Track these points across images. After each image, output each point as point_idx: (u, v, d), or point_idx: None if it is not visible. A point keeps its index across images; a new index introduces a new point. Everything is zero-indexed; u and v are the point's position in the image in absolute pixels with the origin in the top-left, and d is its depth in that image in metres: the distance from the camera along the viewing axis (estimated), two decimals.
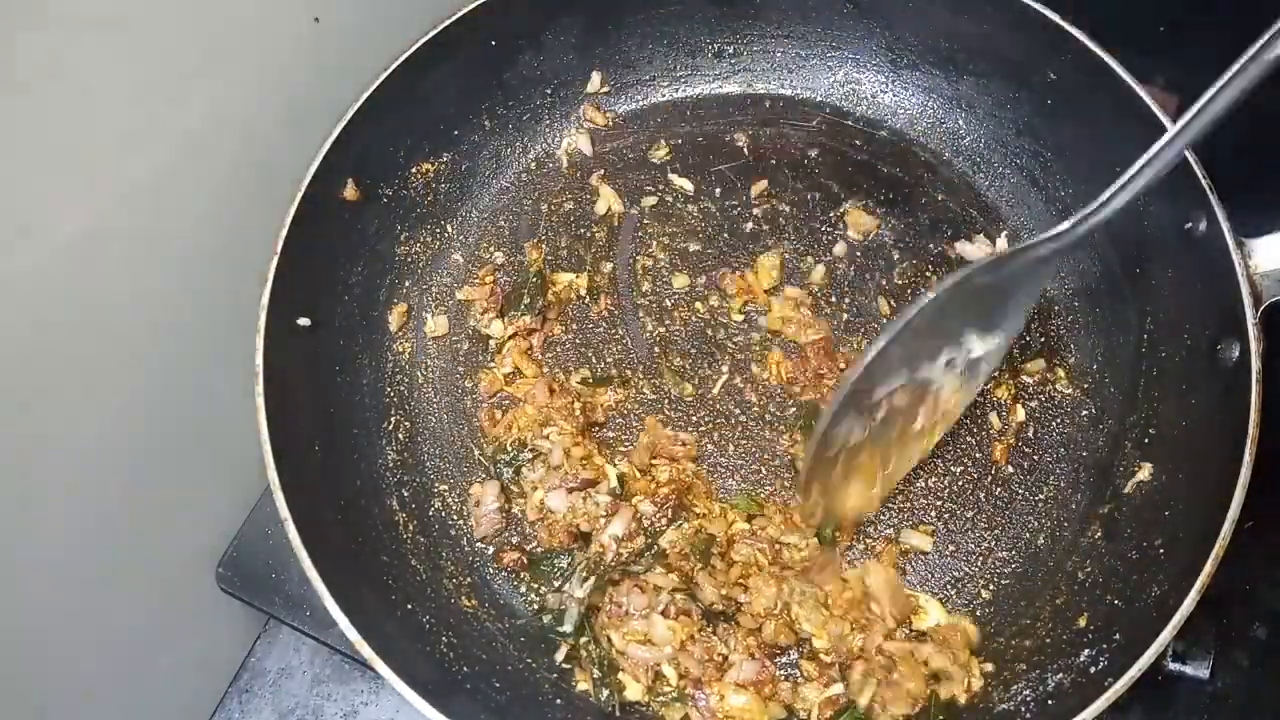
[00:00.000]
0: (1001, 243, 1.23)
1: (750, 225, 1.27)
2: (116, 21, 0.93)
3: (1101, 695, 0.83)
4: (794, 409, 1.15)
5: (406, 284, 1.23)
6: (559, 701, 0.99)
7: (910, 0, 1.24)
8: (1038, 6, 1.12)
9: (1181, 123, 0.83)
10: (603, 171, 1.32)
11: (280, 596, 1.16)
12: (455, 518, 1.12)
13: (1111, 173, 1.12)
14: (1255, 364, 0.91)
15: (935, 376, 0.99)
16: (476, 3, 1.17)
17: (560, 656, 1.02)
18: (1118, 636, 0.92)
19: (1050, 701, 0.92)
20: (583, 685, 1.01)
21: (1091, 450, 1.10)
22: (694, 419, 1.15)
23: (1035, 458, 1.11)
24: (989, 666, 0.99)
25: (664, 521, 1.03)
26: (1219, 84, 0.79)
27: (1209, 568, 0.84)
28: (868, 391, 0.93)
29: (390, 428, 1.15)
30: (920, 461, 1.09)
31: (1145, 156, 0.87)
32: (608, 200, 1.30)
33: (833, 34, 1.31)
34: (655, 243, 1.26)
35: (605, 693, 0.99)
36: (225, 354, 1.05)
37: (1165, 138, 0.85)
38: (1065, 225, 0.92)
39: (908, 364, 0.95)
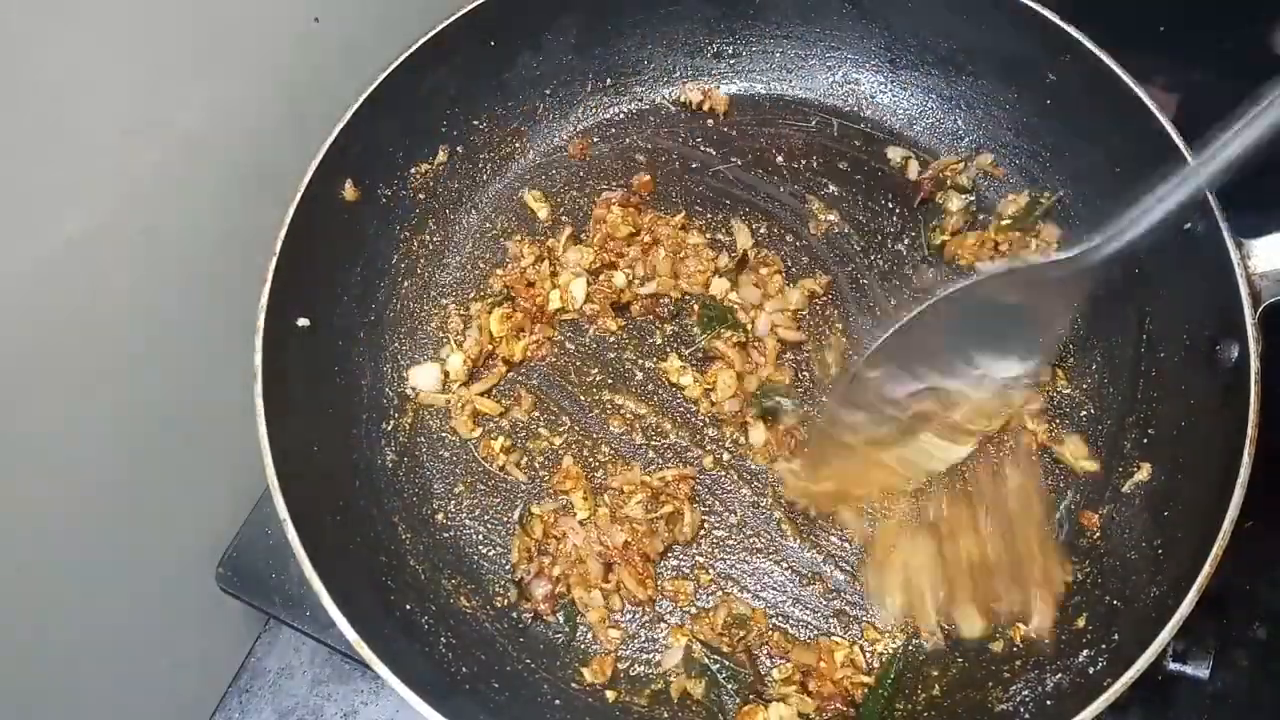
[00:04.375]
0: None
1: None
2: (116, 21, 0.93)
3: (1101, 695, 0.83)
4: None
5: (406, 284, 1.23)
6: (558, 702, 0.99)
7: (910, 0, 1.24)
8: (1037, 6, 1.12)
9: (1203, 158, 0.82)
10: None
11: (280, 596, 1.16)
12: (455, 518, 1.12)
13: (1111, 173, 1.12)
14: (1254, 364, 0.91)
15: (957, 388, 1.01)
16: (476, 3, 1.17)
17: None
18: (1117, 637, 0.92)
19: (1049, 702, 0.92)
20: (589, 678, 1.01)
21: (1092, 450, 1.10)
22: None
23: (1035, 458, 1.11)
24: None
25: None
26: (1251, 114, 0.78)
27: (1209, 568, 0.84)
28: (877, 385, 0.97)
29: (390, 428, 1.15)
30: None
31: (1163, 188, 0.86)
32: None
33: (832, 34, 1.31)
34: None
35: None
36: (225, 354, 1.04)
37: (1186, 170, 0.85)
38: (1076, 250, 0.92)
39: (912, 365, 0.97)
